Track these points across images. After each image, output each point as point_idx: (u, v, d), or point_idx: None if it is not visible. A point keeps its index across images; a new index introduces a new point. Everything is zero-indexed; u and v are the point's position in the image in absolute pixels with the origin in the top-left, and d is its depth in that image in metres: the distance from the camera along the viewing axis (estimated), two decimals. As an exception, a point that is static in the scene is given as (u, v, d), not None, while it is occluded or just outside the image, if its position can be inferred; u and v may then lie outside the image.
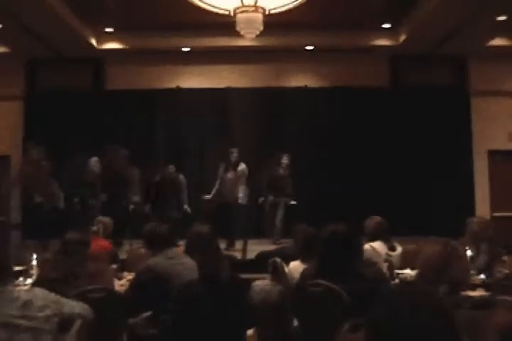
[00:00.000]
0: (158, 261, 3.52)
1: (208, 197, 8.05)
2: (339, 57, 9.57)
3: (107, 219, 5.64)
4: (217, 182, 7.97)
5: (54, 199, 7.69)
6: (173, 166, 8.18)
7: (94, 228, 5.52)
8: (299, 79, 9.90)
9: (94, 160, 7.89)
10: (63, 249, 3.36)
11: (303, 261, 3.81)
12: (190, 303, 2.78)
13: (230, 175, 7.91)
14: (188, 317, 2.75)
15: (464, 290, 2.84)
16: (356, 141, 9.34)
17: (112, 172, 7.66)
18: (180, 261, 3.52)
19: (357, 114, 9.44)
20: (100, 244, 4.90)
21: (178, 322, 2.78)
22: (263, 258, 5.20)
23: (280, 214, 8.15)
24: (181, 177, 8.17)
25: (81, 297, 2.78)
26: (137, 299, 3.36)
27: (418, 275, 2.66)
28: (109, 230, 5.55)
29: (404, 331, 1.27)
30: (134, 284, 3.54)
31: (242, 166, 7.94)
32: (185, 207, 8.10)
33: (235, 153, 7.96)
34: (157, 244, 3.64)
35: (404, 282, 3.85)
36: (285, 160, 8.20)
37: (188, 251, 3.65)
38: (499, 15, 7.77)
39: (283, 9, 6.59)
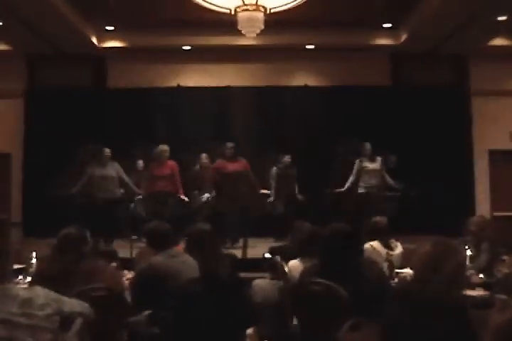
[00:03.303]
0: (161, 259, 3.52)
1: (341, 189, 8.15)
2: (340, 56, 9.56)
3: None
4: (353, 175, 8.13)
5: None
6: (289, 156, 8.38)
7: None
8: (300, 78, 9.89)
9: (204, 156, 8.31)
10: (59, 246, 3.30)
11: (302, 259, 3.79)
12: (190, 301, 2.78)
13: (369, 167, 8.11)
14: (188, 315, 2.76)
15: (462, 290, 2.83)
16: (356, 140, 9.31)
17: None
18: (182, 260, 3.52)
19: (357, 112, 9.41)
20: None
21: (178, 320, 2.78)
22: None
23: None
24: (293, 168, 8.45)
25: (82, 295, 2.78)
26: (139, 297, 3.36)
27: (414, 275, 2.66)
28: None
29: (420, 330, 1.27)
30: (135, 283, 3.53)
31: (379, 160, 8.14)
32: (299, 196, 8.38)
33: (368, 147, 8.14)
34: (159, 242, 3.65)
35: (404, 281, 3.85)
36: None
37: (189, 249, 3.65)
38: (500, 15, 7.79)
39: (284, 8, 6.58)
